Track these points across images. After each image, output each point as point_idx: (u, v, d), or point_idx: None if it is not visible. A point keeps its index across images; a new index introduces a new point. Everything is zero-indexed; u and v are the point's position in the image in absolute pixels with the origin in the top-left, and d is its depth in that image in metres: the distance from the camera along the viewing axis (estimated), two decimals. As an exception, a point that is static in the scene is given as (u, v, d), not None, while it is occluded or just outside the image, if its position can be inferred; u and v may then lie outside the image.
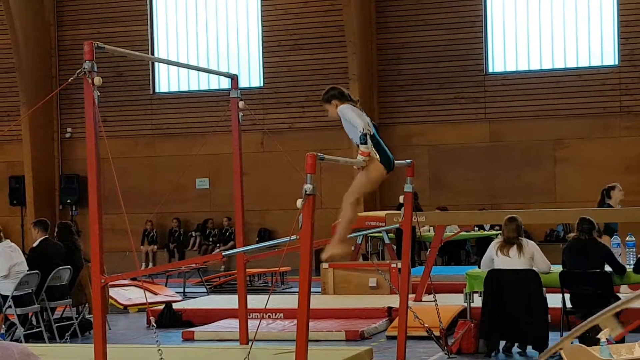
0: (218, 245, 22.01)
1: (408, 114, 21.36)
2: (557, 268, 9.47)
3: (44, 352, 7.95)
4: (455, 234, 14.96)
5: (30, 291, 10.86)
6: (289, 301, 11.96)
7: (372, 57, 21.33)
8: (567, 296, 9.39)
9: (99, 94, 6.44)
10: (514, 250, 9.06)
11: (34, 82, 22.47)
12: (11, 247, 10.92)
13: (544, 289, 9.20)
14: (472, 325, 9.48)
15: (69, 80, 6.49)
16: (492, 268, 9.19)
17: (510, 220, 9.20)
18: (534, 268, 9.11)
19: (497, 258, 9.14)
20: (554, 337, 9.19)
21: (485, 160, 20.80)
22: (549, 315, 9.26)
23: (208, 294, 15.87)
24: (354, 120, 6.73)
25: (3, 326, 10.75)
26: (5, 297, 10.54)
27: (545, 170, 20.51)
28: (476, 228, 17.16)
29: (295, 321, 10.38)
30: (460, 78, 21.04)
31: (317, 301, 11.88)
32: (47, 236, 11.55)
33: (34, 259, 11.24)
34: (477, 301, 9.73)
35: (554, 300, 9.54)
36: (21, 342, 9.94)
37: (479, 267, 9.87)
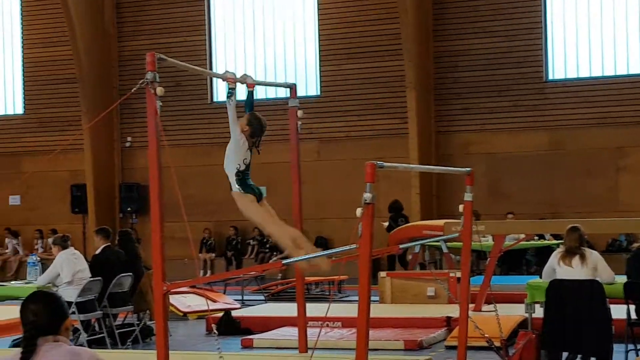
0: (275, 253, 22.06)
1: (465, 122, 21.25)
2: (620, 278, 9.34)
3: (106, 357, 7.99)
4: (515, 243, 14.83)
5: (93, 297, 11.02)
6: (347, 310, 11.94)
7: (429, 65, 21.26)
8: (632, 307, 9.25)
9: (160, 104, 6.50)
10: (576, 260, 8.95)
11: (95, 92, 22.76)
12: (75, 254, 11.09)
13: (607, 299, 9.07)
14: (534, 336, 9.39)
15: (132, 91, 6.55)
16: (553, 278, 9.09)
17: (572, 230, 9.09)
18: (597, 278, 9.00)
19: (559, 268, 9.04)
20: (618, 349, 9.07)
21: (544, 169, 20.58)
22: (613, 327, 9.13)
23: (266, 302, 15.93)
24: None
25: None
26: (68, 304, 10.69)
27: (608, 178, 20.22)
28: (536, 237, 16.99)
29: (353, 330, 10.38)
30: (518, 85, 20.87)
31: (375, 310, 11.75)
32: (109, 244, 11.72)
33: (97, 266, 11.40)
34: (539, 312, 9.63)
35: (617, 312, 9.40)
36: (84, 347, 10.05)
37: (540, 277, 9.77)
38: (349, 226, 20.51)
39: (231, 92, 7.27)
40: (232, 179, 7.22)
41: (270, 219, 7.10)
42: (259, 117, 7.40)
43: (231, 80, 7.33)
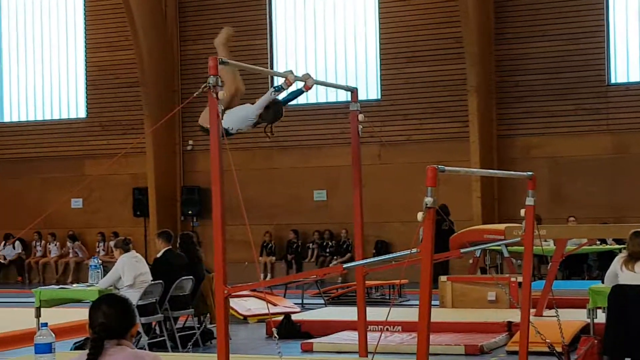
0: (335, 257, 22.10)
1: (527, 126, 21.07)
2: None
3: (167, 360, 8.11)
4: (577, 248, 14.68)
5: (154, 301, 11.12)
6: (407, 314, 11.92)
7: (490, 68, 21.13)
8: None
9: (222, 107, 6.55)
10: (639, 266, 8.84)
11: (157, 96, 22.99)
12: (136, 257, 11.20)
13: (671, 305, 8.93)
14: (596, 341, 9.28)
15: (195, 95, 6.62)
16: (616, 283, 8.98)
17: (635, 235, 8.97)
18: (660, 284, 8.86)
19: (621, 273, 8.93)
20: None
21: (607, 173, 20.33)
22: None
23: (326, 306, 15.94)
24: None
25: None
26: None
27: (672, 182, 19.90)
28: (598, 242, 16.80)
29: (413, 334, 10.35)
30: (580, 89, 20.65)
31: (436, 314, 11.72)
32: (170, 247, 11.82)
33: (158, 269, 11.50)
34: (601, 317, 9.52)
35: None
36: (145, 350, 10.17)
37: (602, 282, 9.66)
38: (410, 230, 20.46)
39: (278, 89, 7.43)
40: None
41: None
42: (278, 110, 7.56)
43: (290, 81, 7.42)
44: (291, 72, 7.55)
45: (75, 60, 24.85)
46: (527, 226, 8.13)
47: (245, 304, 14.44)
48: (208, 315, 11.97)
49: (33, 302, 11.11)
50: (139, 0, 22.38)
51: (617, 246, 16.17)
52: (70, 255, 24.32)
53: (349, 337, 10.96)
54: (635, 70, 20.53)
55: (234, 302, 14.01)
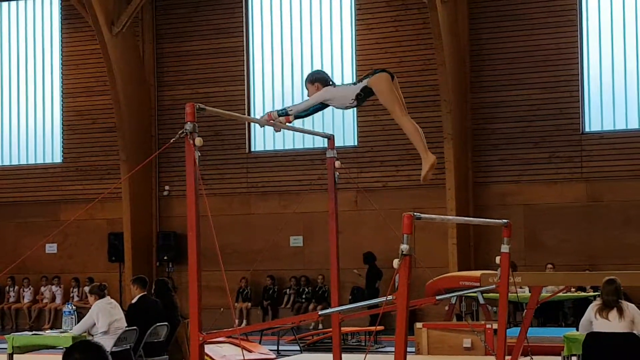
0: (311, 303, 22.02)
1: (502, 173, 21.21)
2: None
3: (141, 407, 8.03)
4: (553, 294, 14.71)
5: (129, 347, 11.05)
6: (383, 361, 11.90)
7: (466, 116, 21.28)
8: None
9: (199, 154, 6.56)
10: (613, 314, 8.88)
11: (134, 141, 22.95)
12: (111, 303, 11.15)
13: (645, 353, 8.97)
14: (571, 389, 9.30)
15: (172, 142, 6.63)
16: (590, 331, 9.02)
17: (609, 283, 9.03)
18: (634, 332, 8.90)
19: (595, 321, 8.97)
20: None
21: (582, 221, 20.45)
22: (651, 381, 9.01)
23: (301, 352, 15.88)
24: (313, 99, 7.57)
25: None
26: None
27: (646, 230, 20.05)
28: (573, 289, 16.85)
29: (389, 381, 10.32)
30: (555, 137, 20.82)
31: (412, 361, 11.77)
32: (145, 293, 11.78)
33: (133, 315, 11.45)
34: (576, 364, 9.55)
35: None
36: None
37: (577, 330, 9.69)
38: (385, 276, 20.32)
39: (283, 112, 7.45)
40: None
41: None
42: (318, 71, 7.83)
43: (271, 117, 7.43)
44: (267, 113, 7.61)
45: (52, 104, 24.81)
46: (502, 273, 8.17)
47: (220, 351, 14.33)
48: (183, 361, 11.90)
49: (6, 349, 11.00)
50: (116, 46, 22.42)
51: (592, 293, 16.22)
52: (45, 299, 24.04)
53: (325, 384, 10.92)
54: (609, 118, 20.74)
55: (208, 349, 13.89)
